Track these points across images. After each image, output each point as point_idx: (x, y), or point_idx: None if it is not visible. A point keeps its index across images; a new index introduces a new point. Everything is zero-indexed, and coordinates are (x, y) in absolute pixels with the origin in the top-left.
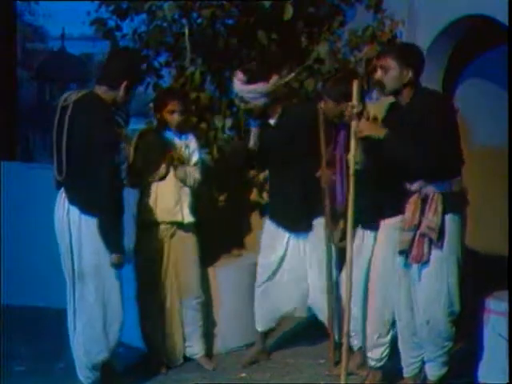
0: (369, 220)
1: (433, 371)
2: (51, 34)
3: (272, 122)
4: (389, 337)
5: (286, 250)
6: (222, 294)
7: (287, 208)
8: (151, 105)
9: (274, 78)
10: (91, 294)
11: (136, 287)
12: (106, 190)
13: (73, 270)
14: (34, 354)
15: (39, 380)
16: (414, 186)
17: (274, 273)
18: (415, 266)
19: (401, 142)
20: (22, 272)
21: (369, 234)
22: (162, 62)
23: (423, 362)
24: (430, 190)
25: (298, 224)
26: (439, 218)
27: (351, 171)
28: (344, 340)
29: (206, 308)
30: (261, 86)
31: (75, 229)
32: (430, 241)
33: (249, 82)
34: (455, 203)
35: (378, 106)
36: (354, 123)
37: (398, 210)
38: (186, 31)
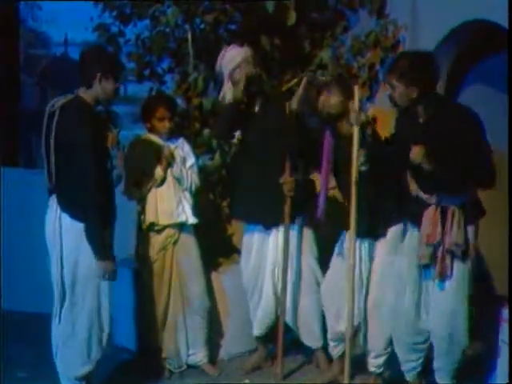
0: (371, 230)
1: (445, 380)
2: (54, 39)
3: (255, 110)
4: (391, 345)
5: (261, 256)
6: (226, 300)
7: (267, 209)
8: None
9: (246, 48)
10: (79, 303)
11: (139, 293)
12: (87, 193)
13: (62, 279)
14: (36, 360)
15: None
16: (433, 199)
17: (256, 280)
18: (435, 279)
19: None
20: (25, 278)
21: (367, 245)
22: (164, 68)
23: (424, 365)
24: (449, 202)
25: (275, 225)
26: (463, 232)
27: (353, 179)
28: (346, 345)
29: (210, 314)
30: (245, 50)
31: (68, 236)
32: (453, 255)
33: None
34: (473, 214)
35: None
36: (356, 129)
37: (398, 218)
38: (189, 37)
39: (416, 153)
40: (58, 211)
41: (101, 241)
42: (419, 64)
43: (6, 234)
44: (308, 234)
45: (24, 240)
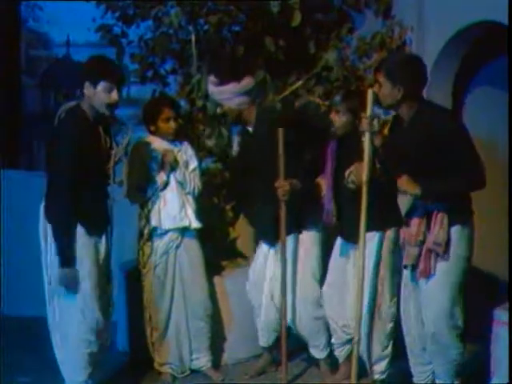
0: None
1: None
2: (56, 40)
3: (250, 129)
4: (390, 348)
5: (267, 265)
6: (230, 305)
7: (270, 222)
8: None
9: (247, 80)
10: (70, 306)
11: (141, 298)
12: (58, 198)
13: (49, 281)
14: (37, 365)
15: None
16: (419, 202)
17: (262, 288)
18: (422, 279)
19: (402, 160)
20: (25, 281)
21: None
22: (168, 70)
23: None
24: (435, 206)
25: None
26: (445, 232)
27: (364, 179)
28: (354, 348)
29: (213, 318)
30: (232, 87)
31: (49, 242)
32: (437, 254)
33: (221, 83)
34: (460, 214)
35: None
36: (367, 135)
37: (398, 220)
38: (193, 38)
39: (402, 182)
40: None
41: (65, 247)
42: (408, 65)
43: (7, 236)
44: (311, 240)
45: (25, 243)
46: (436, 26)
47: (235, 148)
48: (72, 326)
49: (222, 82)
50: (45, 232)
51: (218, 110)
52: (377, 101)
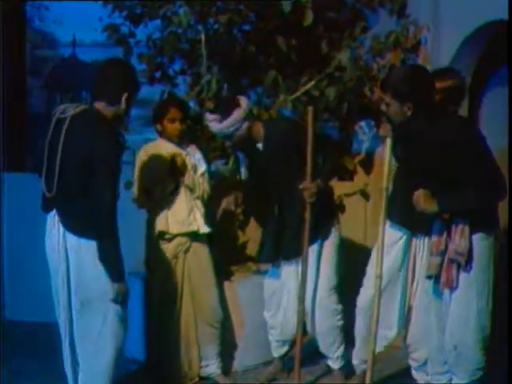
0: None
1: None
2: (62, 40)
3: (260, 146)
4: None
5: (286, 275)
6: (240, 310)
7: (289, 235)
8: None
9: (243, 102)
10: (98, 323)
11: (149, 304)
12: (108, 212)
13: (69, 300)
14: (43, 371)
15: None
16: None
17: (279, 297)
18: (446, 291)
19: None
20: (30, 286)
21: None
22: (176, 70)
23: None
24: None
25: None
26: (467, 241)
27: (384, 185)
28: (369, 358)
29: (223, 324)
30: (236, 115)
31: (73, 254)
32: (459, 264)
33: (224, 116)
34: (483, 221)
35: None
36: (388, 140)
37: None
38: (203, 37)
39: (418, 200)
40: (61, 228)
41: (117, 262)
42: (412, 80)
43: (11, 240)
44: (329, 248)
45: (29, 247)
46: (452, 24)
47: (244, 172)
48: (102, 343)
49: (226, 114)
50: (58, 250)
51: (228, 144)
52: (387, 118)
